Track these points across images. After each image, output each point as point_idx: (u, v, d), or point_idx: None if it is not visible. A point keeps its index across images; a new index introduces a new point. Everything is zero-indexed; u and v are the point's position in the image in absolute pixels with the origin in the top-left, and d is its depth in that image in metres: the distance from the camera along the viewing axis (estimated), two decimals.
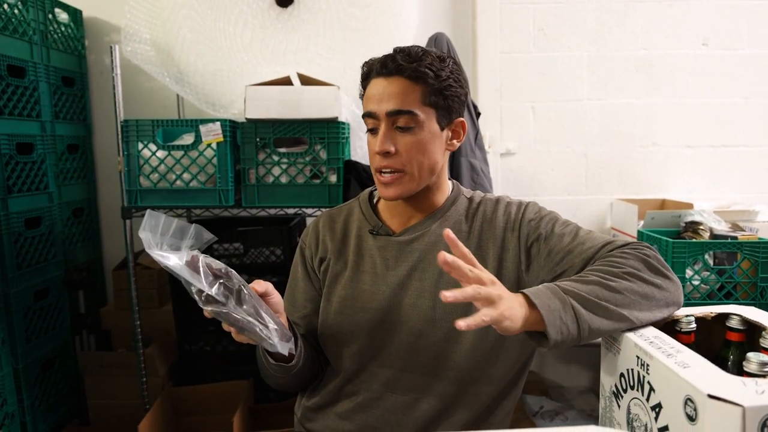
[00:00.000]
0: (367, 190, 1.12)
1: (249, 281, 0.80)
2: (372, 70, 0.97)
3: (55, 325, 1.95)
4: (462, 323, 0.67)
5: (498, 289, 0.74)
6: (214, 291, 0.75)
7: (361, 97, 1.01)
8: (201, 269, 0.74)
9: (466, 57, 2.24)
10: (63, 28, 2.07)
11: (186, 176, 1.73)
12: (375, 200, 1.10)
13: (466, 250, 0.75)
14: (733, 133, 2.32)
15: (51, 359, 1.92)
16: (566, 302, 0.77)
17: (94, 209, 2.29)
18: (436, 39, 1.88)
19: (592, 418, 2.09)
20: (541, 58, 2.27)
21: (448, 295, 0.67)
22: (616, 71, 2.28)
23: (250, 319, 0.78)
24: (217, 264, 0.77)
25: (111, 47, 1.74)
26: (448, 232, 0.75)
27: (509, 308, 0.73)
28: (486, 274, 0.75)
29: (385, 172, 0.96)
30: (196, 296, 0.74)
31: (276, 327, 0.81)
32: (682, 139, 2.32)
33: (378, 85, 0.95)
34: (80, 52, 2.19)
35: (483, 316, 0.69)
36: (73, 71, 2.13)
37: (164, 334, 2.02)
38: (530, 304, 0.76)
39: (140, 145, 1.72)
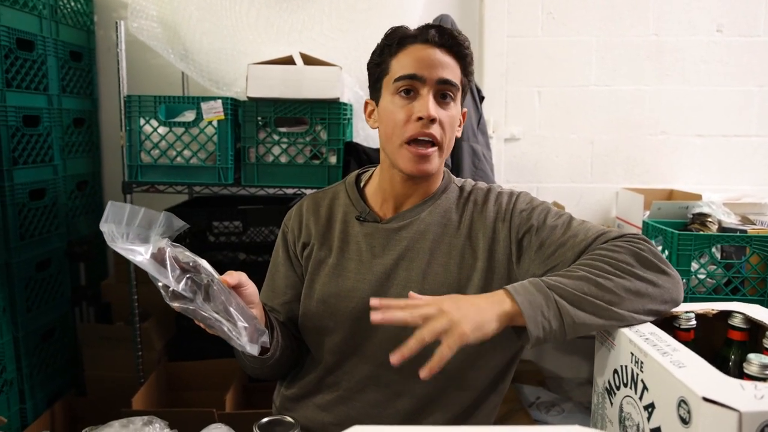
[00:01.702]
0: (353, 174, 1.08)
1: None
2: (412, 36, 0.94)
3: (55, 296, 1.98)
4: (424, 373, 0.70)
5: (441, 302, 0.75)
6: (180, 287, 0.72)
7: (377, 65, 0.97)
8: (168, 263, 0.71)
9: (471, 40, 2.13)
10: (72, 3, 2.09)
11: (186, 153, 1.73)
12: (362, 184, 1.06)
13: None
14: (746, 123, 2.25)
15: (51, 329, 1.95)
16: (549, 297, 0.75)
17: (98, 183, 2.31)
18: (441, 21, 1.85)
19: (590, 411, 2.05)
20: (548, 43, 2.23)
21: (395, 360, 0.72)
22: (626, 57, 2.22)
23: (218, 316, 0.75)
24: (186, 256, 0.74)
25: (116, 23, 1.75)
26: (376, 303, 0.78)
27: (464, 317, 0.72)
28: (422, 299, 0.77)
29: (424, 142, 0.91)
30: (162, 291, 0.72)
31: (245, 325, 0.78)
32: (692, 128, 2.26)
33: (428, 51, 0.92)
34: (89, 28, 2.21)
35: (442, 353, 0.70)
36: (81, 46, 2.15)
37: (162, 309, 2.03)
38: (512, 299, 0.75)
39: (142, 121, 1.73)
